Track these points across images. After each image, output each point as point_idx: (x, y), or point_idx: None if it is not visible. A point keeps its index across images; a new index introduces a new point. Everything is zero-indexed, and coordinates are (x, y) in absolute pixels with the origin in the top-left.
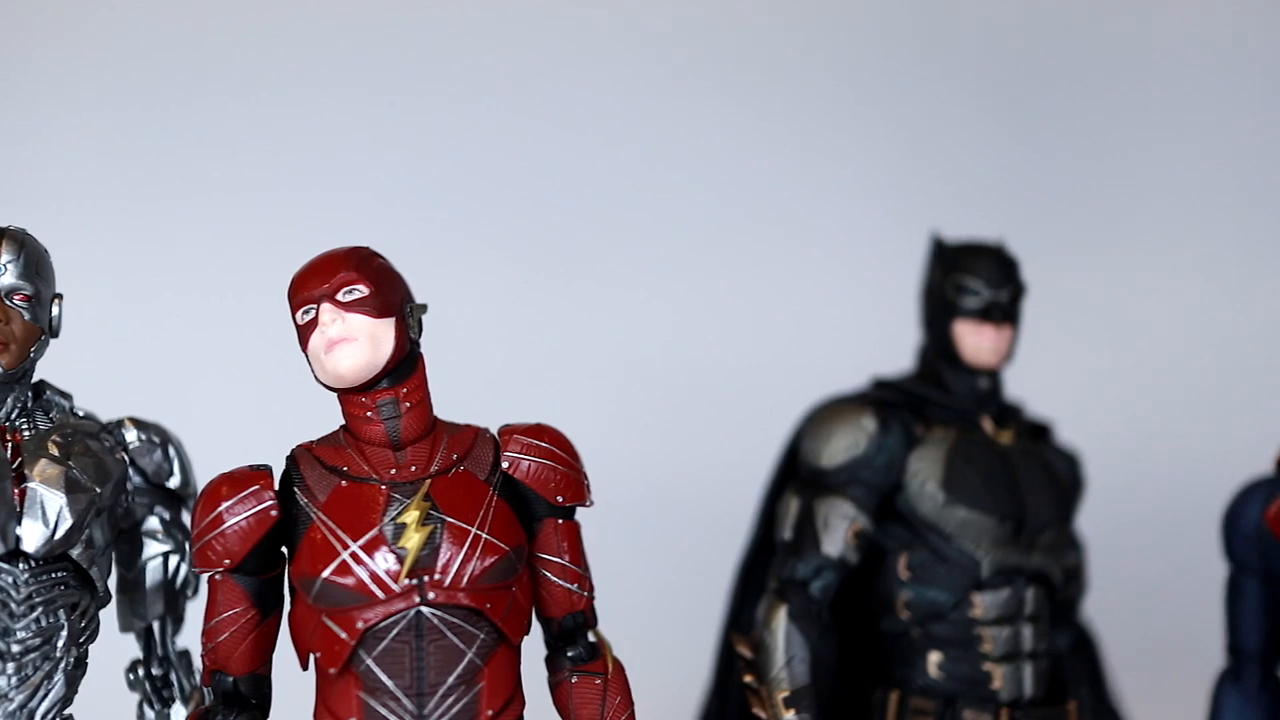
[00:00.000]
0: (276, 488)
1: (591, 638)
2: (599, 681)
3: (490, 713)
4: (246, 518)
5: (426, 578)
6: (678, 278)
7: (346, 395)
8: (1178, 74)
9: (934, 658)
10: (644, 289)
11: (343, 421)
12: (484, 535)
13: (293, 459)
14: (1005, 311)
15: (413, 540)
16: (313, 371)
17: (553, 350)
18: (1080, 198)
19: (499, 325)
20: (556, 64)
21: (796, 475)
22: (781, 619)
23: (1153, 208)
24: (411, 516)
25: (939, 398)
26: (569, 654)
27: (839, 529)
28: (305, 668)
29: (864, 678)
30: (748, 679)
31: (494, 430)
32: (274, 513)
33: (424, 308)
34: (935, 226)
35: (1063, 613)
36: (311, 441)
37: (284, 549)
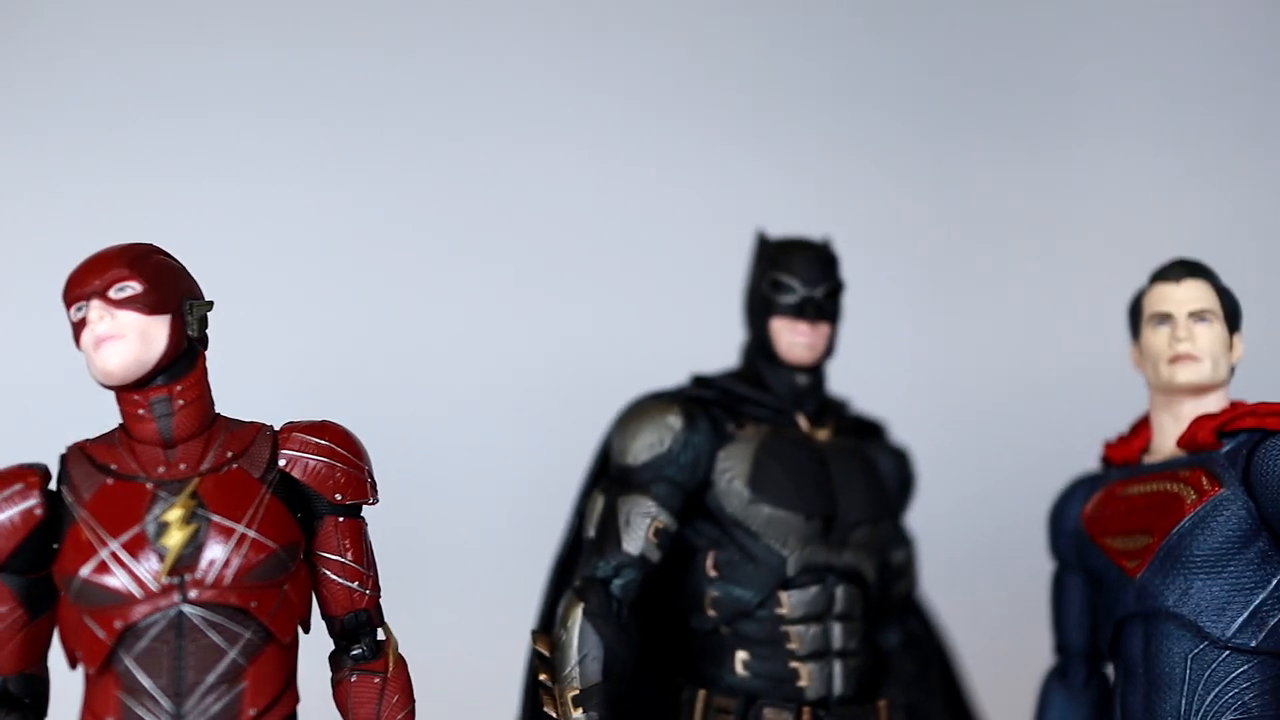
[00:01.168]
0: (52, 486)
1: (381, 635)
2: (377, 680)
3: (253, 712)
4: (10, 516)
5: (188, 576)
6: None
7: (121, 393)
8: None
9: (741, 656)
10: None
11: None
12: (251, 533)
13: (64, 457)
14: (820, 309)
15: (174, 539)
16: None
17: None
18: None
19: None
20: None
21: (605, 473)
22: (578, 617)
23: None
24: (174, 515)
25: (754, 395)
26: (352, 652)
27: (640, 527)
28: (73, 667)
29: (678, 675)
30: (542, 677)
31: (278, 427)
32: (39, 511)
33: (209, 305)
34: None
35: (891, 609)
36: (88, 439)
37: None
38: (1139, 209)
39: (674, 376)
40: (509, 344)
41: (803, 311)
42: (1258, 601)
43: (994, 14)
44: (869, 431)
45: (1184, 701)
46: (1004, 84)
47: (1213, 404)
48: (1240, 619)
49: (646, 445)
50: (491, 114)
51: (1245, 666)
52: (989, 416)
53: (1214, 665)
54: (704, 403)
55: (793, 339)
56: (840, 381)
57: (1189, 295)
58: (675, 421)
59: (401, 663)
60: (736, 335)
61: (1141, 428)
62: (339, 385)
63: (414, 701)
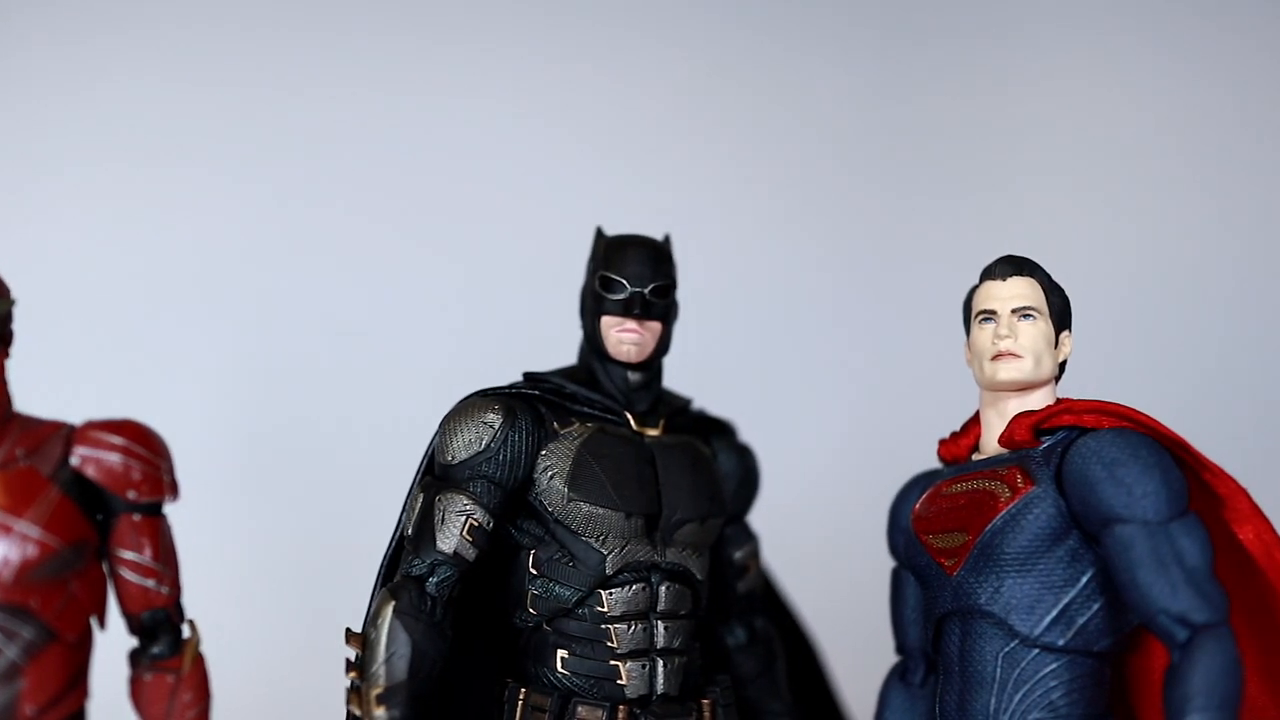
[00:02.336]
0: None
1: (186, 633)
2: (170, 679)
3: (30, 710)
4: None
5: None
6: None
7: None
8: None
9: (561, 654)
10: None
11: None
12: (33, 531)
13: None
14: (649, 306)
15: None
16: None
17: None
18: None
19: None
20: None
21: (430, 470)
22: (388, 615)
23: None
24: None
25: (582, 392)
26: (150, 651)
27: (455, 524)
28: None
29: (504, 673)
30: (351, 675)
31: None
32: None
33: (12, 302)
34: None
35: (735, 607)
36: None
37: None
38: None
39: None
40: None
41: (629, 309)
42: (1067, 600)
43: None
44: (715, 430)
45: (994, 700)
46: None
47: (1037, 401)
48: (1049, 617)
49: (465, 443)
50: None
51: (1054, 665)
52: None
53: (1024, 664)
54: (530, 400)
55: (620, 336)
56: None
57: (1013, 292)
58: (494, 419)
59: (199, 662)
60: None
61: (972, 425)
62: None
63: (209, 701)
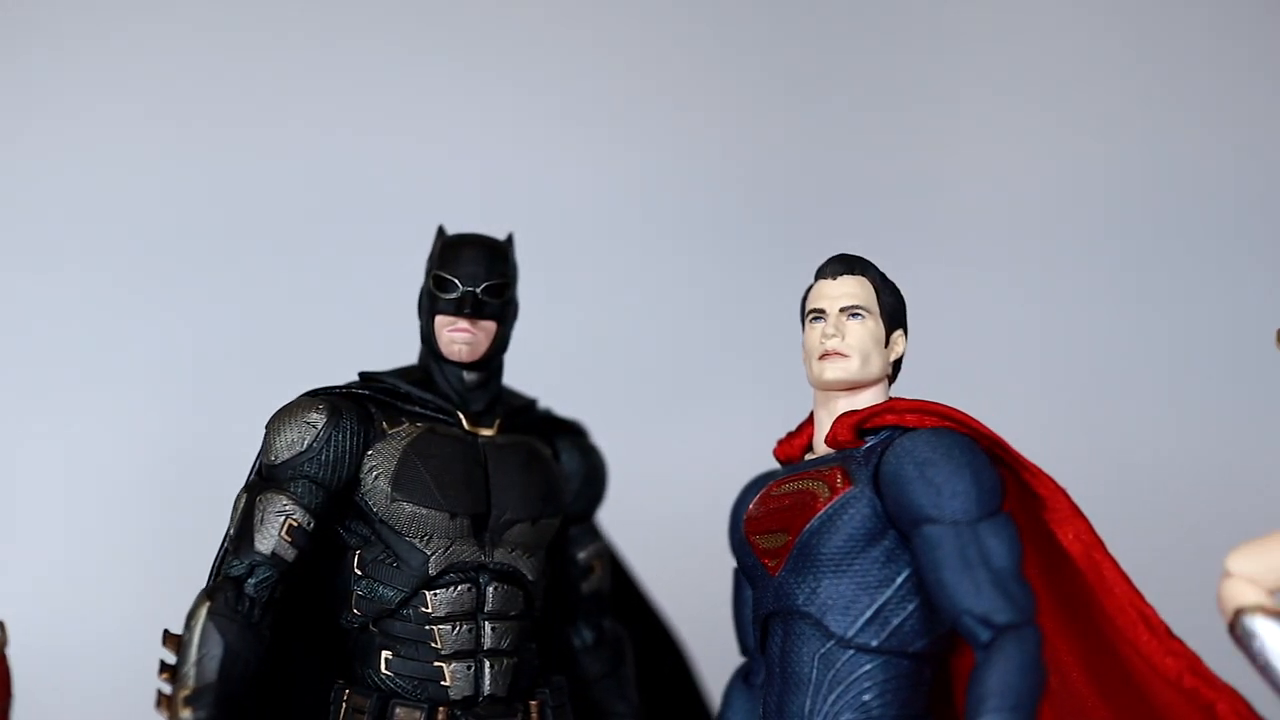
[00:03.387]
0: None
1: None
2: None
3: None
4: None
5: None
6: None
7: None
8: None
9: (385, 655)
10: None
11: None
12: None
13: None
14: (481, 306)
15: None
16: None
17: None
18: None
19: None
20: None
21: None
22: (202, 616)
23: None
24: None
25: (415, 392)
26: None
27: (274, 525)
28: None
29: (333, 674)
30: (163, 676)
31: None
32: None
33: None
34: None
35: (582, 608)
36: None
37: None
38: None
39: None
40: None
41: (461, 308)
42: (882, 600)
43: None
44: (561, 430)
45: (809, 701)
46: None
47: (866, 401)
48: (864, 618)
49: (287, 443)
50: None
51: (868, 666)
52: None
53: (838, 664)
54: (360, 399)
55: (452, 336)
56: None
57: (842, 291)
58: (318, 419)
59: (2, 661)
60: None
61: (806, 425)
62: None
63: (11, 699)
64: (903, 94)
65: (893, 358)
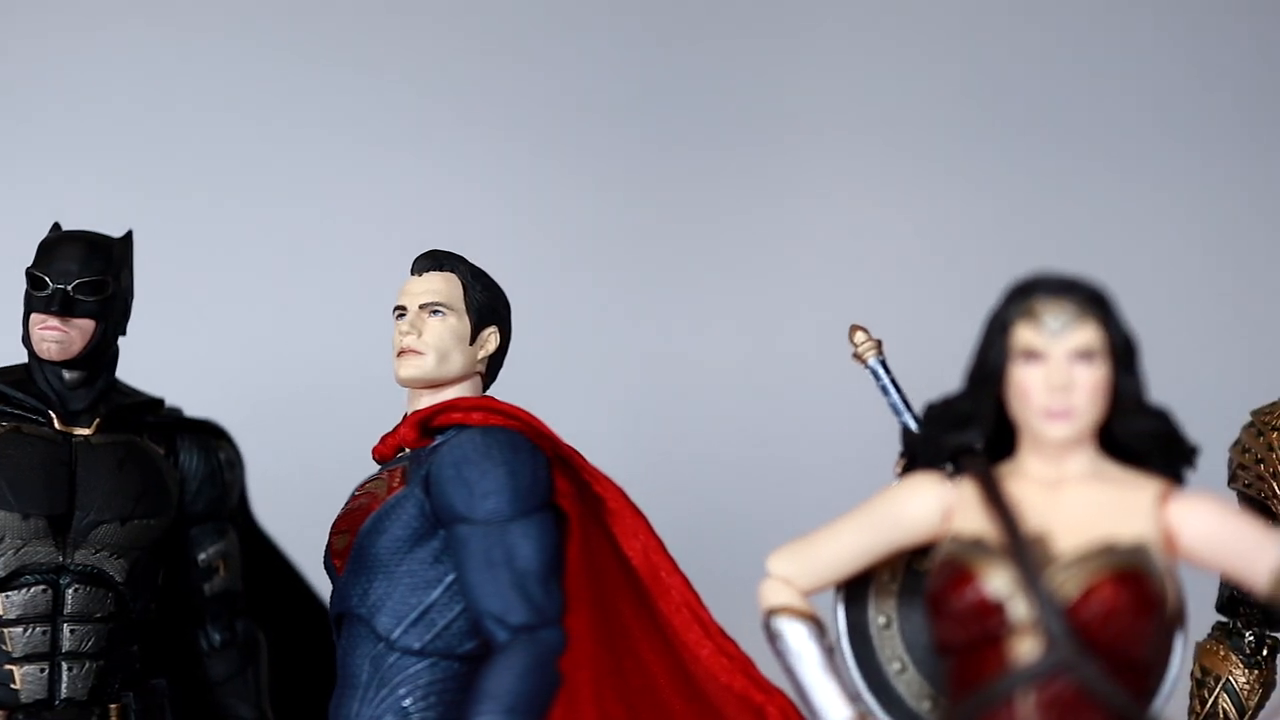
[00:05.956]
0: None
1: None
2: None
3: None
4: None
5: None
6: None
7: None
8: None
9: None
10: None
11: None
12: None
13: None
14: (73, 304)
15: None
16: None
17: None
18: None
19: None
20: None
21: None
22: None
23: None
24: None
25: (9, 392)
26: None
27: None
28: None
29: None
30: None
31: None
32: None
33: None
34: None
35: (209, 609)
36: None
37: None
38: None
39: None
40: None
41: (49, 306)
42: (429, 602)
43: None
44: (185, 429)
45: (358, 705)
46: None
47: (450, 398)
48: (409, 619)
49: None
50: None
51: (413, 668)
52: None
53: (385, 667)
54: None
55: (42, 334)
56: None
57: (425, 288)
58: None
59: None
60: None
61: (400, 424)
62: None
63: None
64: None
65: (482, 355)
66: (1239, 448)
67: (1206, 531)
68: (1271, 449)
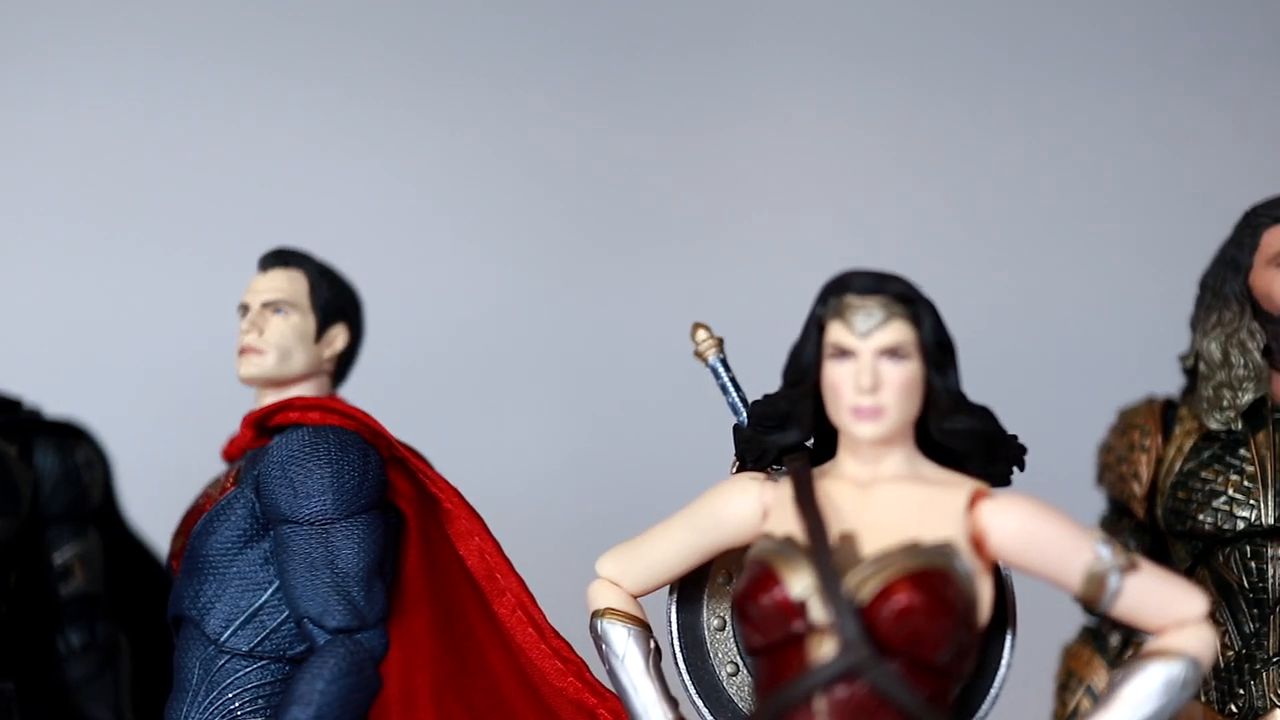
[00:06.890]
0: None
1: None
2: None
3: None
4: None
5: None
6: None
7: None
8: None
9: None
10: None
11: None
12: None
13: None
14: None
15: None
16: None
17: None
18: None
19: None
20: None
21: None
22: None
23: None
24: None
25: None
26: None
27: None
28: None
29: None
30: None
31: None
32: None
33: None
34: None
35: (69, 610)
36: None
37: None
38: None
39: None
40: None
41: None
42: (259, 603)
43: None
44: (42, 431)
45: (187, 708)
46: None
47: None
48: (238, 621)
49: None
50: None
51: (242, 671)
52: None
53: (215, 670)
54: None
55: None
56: None
57: (269, 285)
58: None
59: None
60: None
61: None
62: None
63: None
64: None
65: (328, 353)
66: (1105, 447)
67: (1016, 532)
68: (1133, 448)
